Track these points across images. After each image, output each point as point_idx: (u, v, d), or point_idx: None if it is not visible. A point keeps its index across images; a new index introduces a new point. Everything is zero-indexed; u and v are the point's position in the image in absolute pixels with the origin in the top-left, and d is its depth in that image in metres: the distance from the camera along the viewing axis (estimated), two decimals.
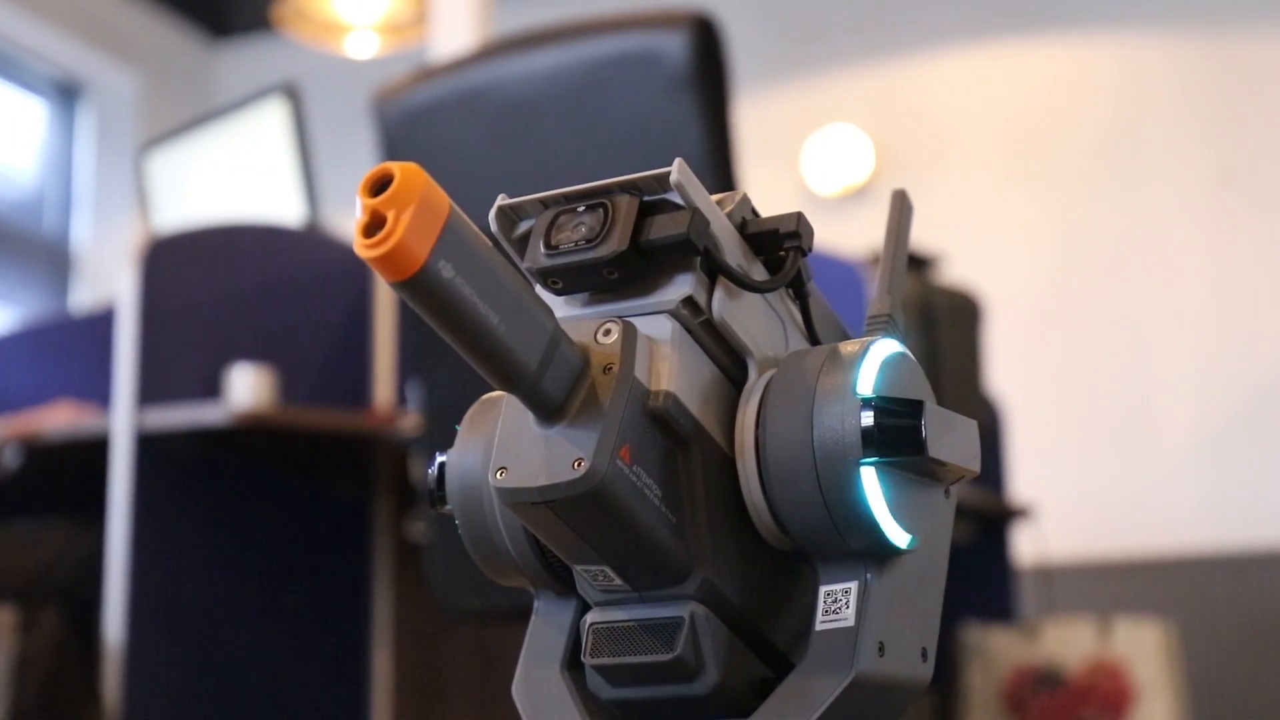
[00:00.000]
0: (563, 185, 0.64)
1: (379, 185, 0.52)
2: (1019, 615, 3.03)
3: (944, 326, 2.53)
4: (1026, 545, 3.07)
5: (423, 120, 1.83)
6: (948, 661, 2.70)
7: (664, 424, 0.58)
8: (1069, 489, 3.85)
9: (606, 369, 0.57)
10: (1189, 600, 3.74)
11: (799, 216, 0.63)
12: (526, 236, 0.62)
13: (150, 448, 2.28)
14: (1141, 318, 4.10)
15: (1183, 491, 3.95)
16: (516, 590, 0.68)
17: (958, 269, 3.09)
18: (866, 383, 0.59)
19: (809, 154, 4.48)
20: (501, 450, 0.58)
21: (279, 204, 2.91)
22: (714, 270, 0.60)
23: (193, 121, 3.34)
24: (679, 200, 0.60)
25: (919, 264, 2.65)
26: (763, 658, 0.63)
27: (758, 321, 0.63)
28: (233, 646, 2.44)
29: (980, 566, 2.93)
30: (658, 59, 1.65)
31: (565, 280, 0.60)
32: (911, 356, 0.63)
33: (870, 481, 0.59)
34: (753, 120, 3.16)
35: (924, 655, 0.63)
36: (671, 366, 0.59)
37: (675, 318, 0.60)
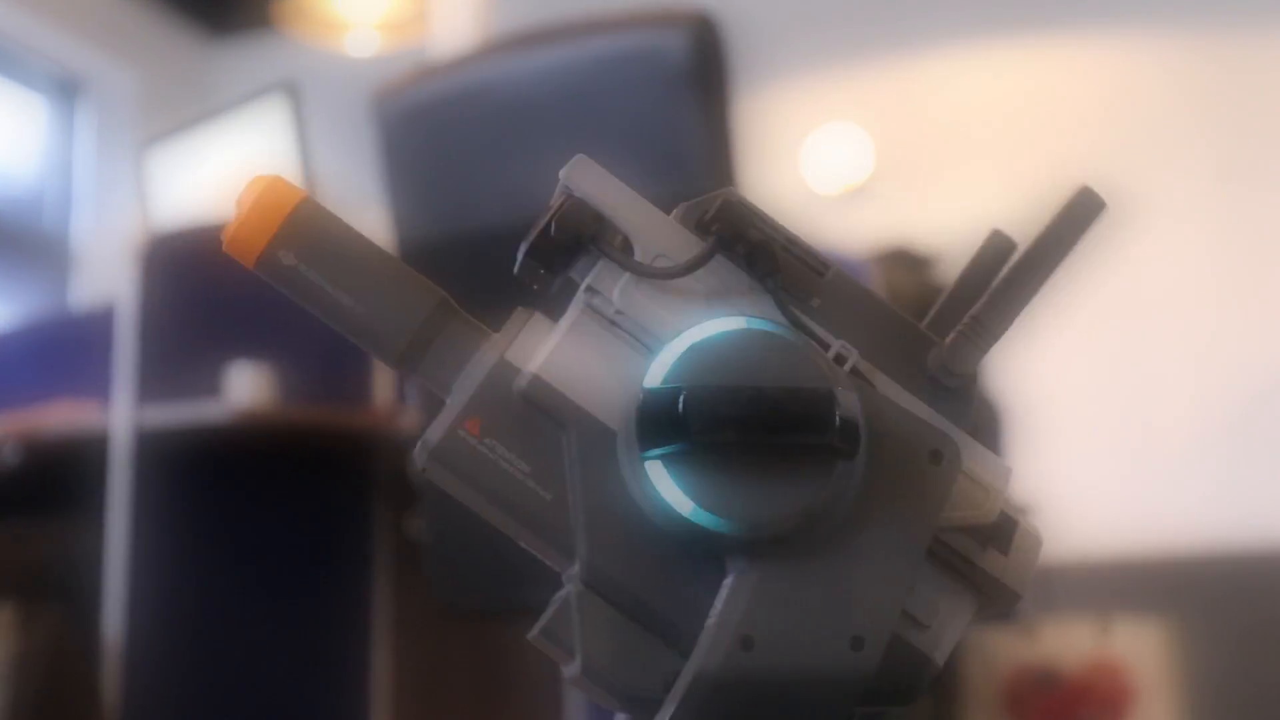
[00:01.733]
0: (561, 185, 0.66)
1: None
2: (1018, 615, 3.03)
3: None
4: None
5: (422, 118, 1.83)
6: (946, 661, 2.69)
7: (535, 403, 0.61)
8: (1067, 488, 3.85)
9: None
10: (1189, 600, 3.75)
11: (721, 200, 0.62)
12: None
13: (149, 446, 2.28)
14: (1143, 318, 4.10)
15: (1183, 491, 3.95)
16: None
17: (957, 268, 3.09)
18: (656, 373, 0.59)
19: (809, 153, 4.48)
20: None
21: None
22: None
23: (192, 119, 3.34)
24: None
25: (917, 263, 2.65)
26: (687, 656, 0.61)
27: (681, 310, 0.62)
28: (231, 645, 2.44)
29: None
30: (658, 58, 1.65)
31: (519, 275, 0.64)
32: (776, 334, 0.61)
33: (658, 474, 0.58)
34: (753, 118, 3.16)
35: (856, 644, 0.59)
36: (550, 349, 0.61)
37: (583, 304, 0.62)
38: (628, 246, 0.63)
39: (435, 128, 1.82)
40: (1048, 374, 4.11)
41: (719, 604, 0.58)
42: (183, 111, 4.40)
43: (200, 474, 2.39)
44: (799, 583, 0.59)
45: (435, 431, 0.60)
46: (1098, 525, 3.91)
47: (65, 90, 5.11)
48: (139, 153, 3.33)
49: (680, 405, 0.58)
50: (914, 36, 4.49)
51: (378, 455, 2.51)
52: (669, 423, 0.58)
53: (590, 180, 0.64)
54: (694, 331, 0.60)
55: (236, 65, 5.37)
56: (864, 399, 0.60)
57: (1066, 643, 2.71)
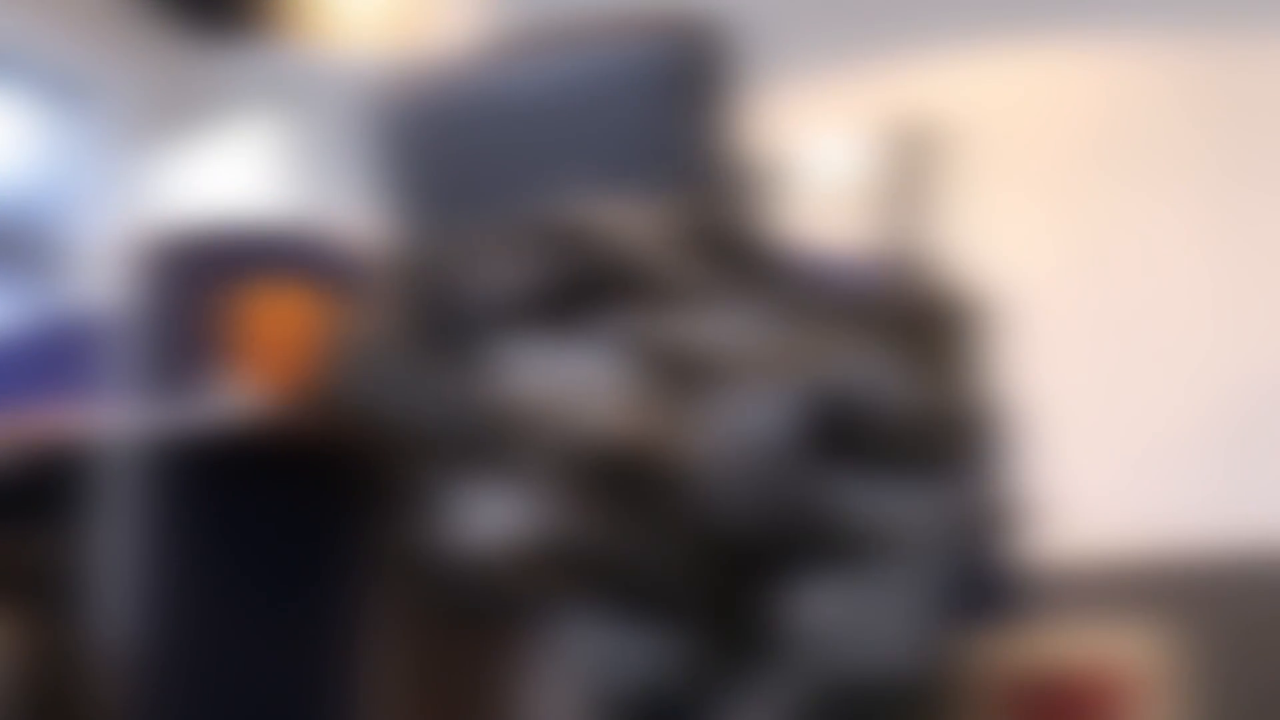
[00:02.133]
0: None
1: None
2: (1018, 615, 3.03)
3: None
4: (1027, 545, 3.07)
5: (421, 124, 1.83)
6: (944, 662, 2.69)
7: None
8: (1068, 490, 3.86)
9: None
10: (1189, 601, 3.75)
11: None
12: None
13: (146, 448, 2.28)
14: (1141, 319, 4.10)
15: (1185, 492, 3.96)
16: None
17: (961, 270, 3.09)
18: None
19: (810, 155, 4.48)
20: None
21: (277, 203, 2.92)
22: None
23: (193, 122, 3.35)
24: None
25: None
26: None
27: None
28: (227, 647, 2.44)
29: (978, 566, 2.93)
30: (655, 65, 1.65)
31: None
32: None
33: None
34: (755, 120, 3.16)
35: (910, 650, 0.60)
36: None
37: None
38: None
39: (433, 134, 1.82)
40: (1047, 377, 4.12)
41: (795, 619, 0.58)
42: (183, 114, 4.41)
43: (197, 478, 2.39)
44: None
45: None
46: (1098, 526, 3.92)
47: (66, 92, 5.11)
48: (139, 154, 3.33)
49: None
50: (918, 39, 4.49)
51: (376, 458, 2.51)
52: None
53: None
54: None
55: (236, 67, 5.37)
56: None
57: (1066, 643, 2.71)
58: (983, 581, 2.95)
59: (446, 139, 1.82)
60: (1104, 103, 4.26)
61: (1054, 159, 4.27)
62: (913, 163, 4.34)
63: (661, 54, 1.66)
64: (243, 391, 2.20)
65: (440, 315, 1.25)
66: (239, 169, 3.10)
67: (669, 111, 1.66)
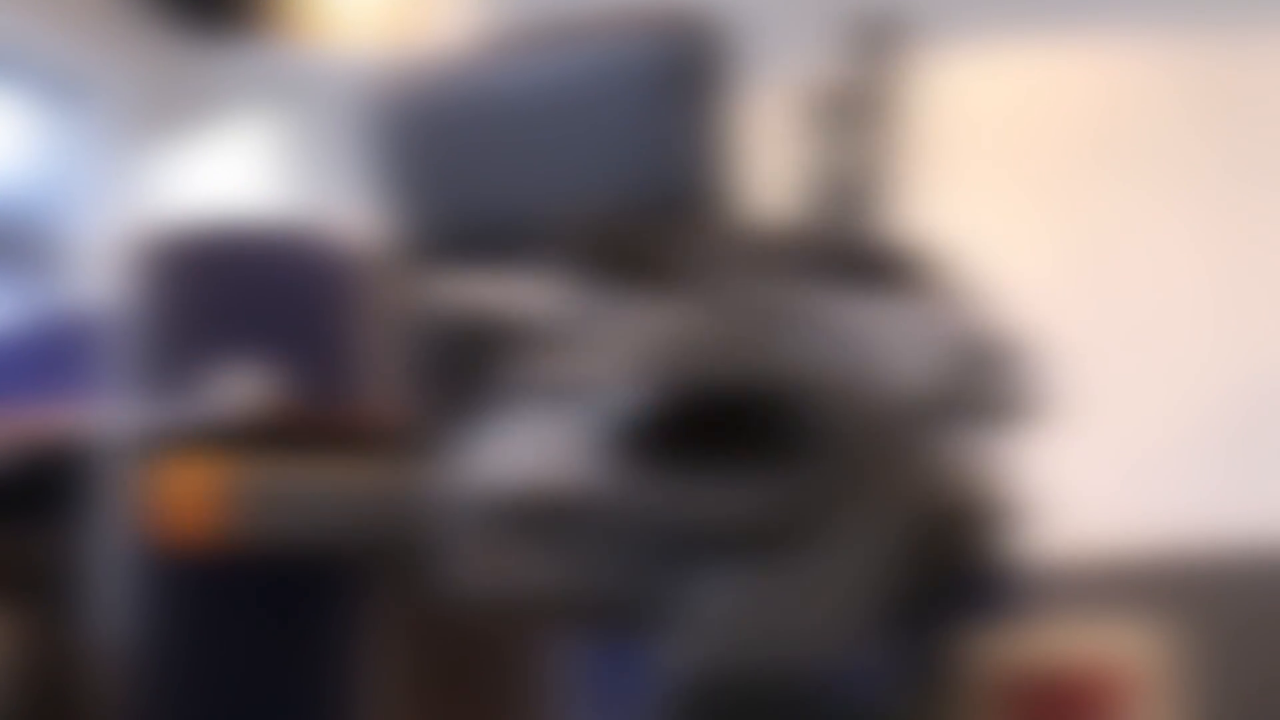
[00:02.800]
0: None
1: None
2: (1016, 613, 3.03)
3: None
4: (1025, 542, 3.07)
5: (416, 122, 1.83)
6: (940, 661, 2.69)
7: None
8: (1066, 487, 3.86)
9: None
10: (1187, 599, 3.75)
11: None
12: None
13: (145, 445, 2.28)
14: (1142, 317, 4.11)
15: (1182, 490, 3.96)
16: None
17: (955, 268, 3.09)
18: None
19: (803, 156, 4.48)
20: None
21: (276, 204, 2.92)
22: None
23: (189, 120, 3.34)
24: None
25: None
26: None
27: None
28: (224, 643, 2.44)
29: (974, 564, 2.93)
30: (649, 62, 1.65)
31: None
32: None
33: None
34: (745, 120, 3.16)
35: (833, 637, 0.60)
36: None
37: None
38: None
39: (430, 132, 1.82)
40: (1045, 370, 4.11)
41: (699, 602, 0.58)
42: (182, 113, 4.40)
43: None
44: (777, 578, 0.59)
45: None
46: (1096, 523, 3.92)
47: (64, 91, 5.11)
48: (135, 152, 3.33)
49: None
50: (911, 39, 4.49)
51: (374, 455, 2.50)
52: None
53: None
54: None
55: (235, 67, 5.37)
56: None
57: (1063, 641, 2.71)
58: (978, 579, 2.95)
59: (442, 136, 1.82)
60: (1103, 102, 4.26)
61: (1051, 159, 4.27)
62: (892, 156, 4.34)
63: (656, 51, 1.66)
64: (238, 390, 2.20)
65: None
66: (235, 167, 3.10)
67: (663, 108, 1.65)
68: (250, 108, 2.92)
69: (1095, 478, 4.02)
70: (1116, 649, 2.68)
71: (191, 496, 0.56)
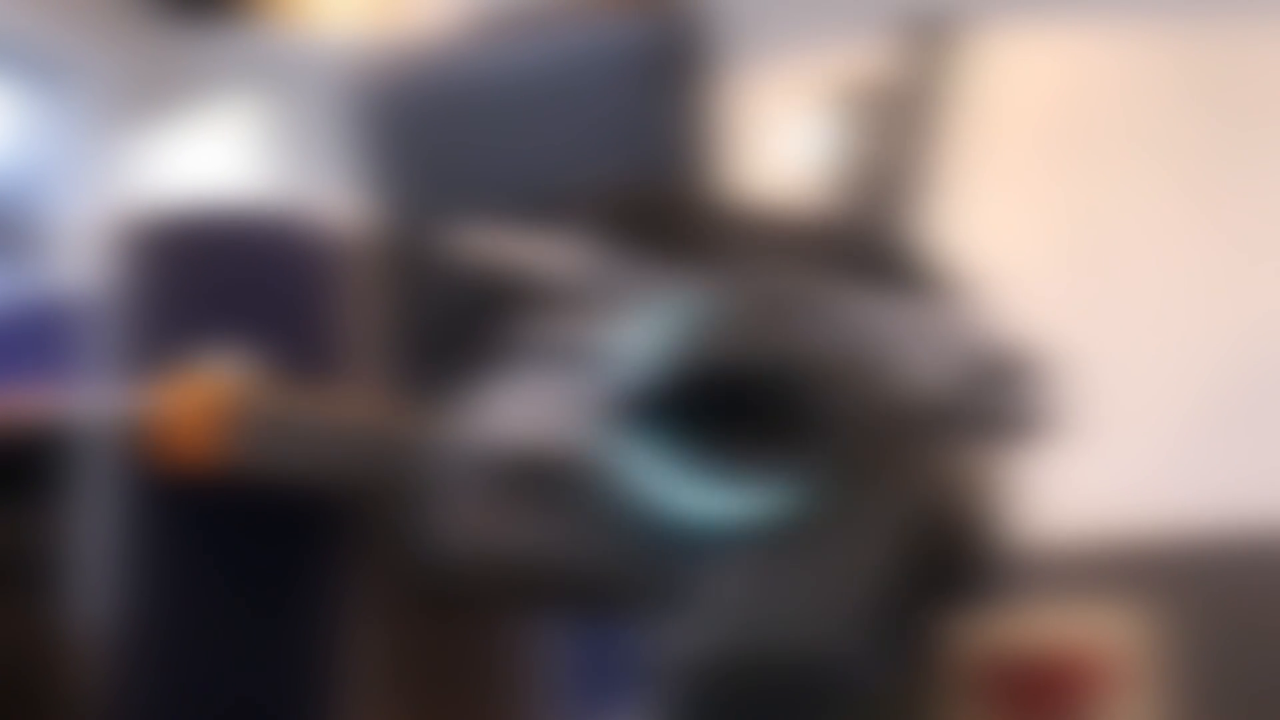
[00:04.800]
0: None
1: None
2: (1000, 597, 3.04)
3: None
4: (1009, 526, 3.08)
5: (400, 107, 1.82)
6: (922, 646, 2.70)
7: None
8: (1052, 471, 3.87)
9: None
10: (1173, 584, 3.77)
11: None
12: None
13: (126, 430, 2.27)
14: (1129, 304, 4.12)
15: (1168, 474, 3.97)
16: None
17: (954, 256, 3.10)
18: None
19: (793, 140, 4.48)
20: None
21: (259, 187, 2.90)
22: None
23: (173, 104, 3.33)
24: None
25: None
26: None
27: None
28: (203, 633, 2.43)
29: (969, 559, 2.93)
30: (635, 46, 1.65)
31: None
32: None
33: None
34: (734, 104, 3.16)
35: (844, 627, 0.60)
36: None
37: None
38: None
39: (416, 117, 1.82)
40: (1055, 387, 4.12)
41: (706, 592, 0.58)
42: (162, 95, 4.38)
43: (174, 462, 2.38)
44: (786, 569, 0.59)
45: None
46: (1079, 508, 3.93)
47: (44, 73, 5.08)
48: (118, 136, 3.32)
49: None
50: (899, 22, 4.49)
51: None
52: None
53: None
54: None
55: (217, 50, 5.35)
56: None
57: (1047, 626, 2.72)
58: (964, 562, 2.96)
59: (425, 121, 1.82)
60: (1101, 85, 4.27)
61: (1047, 143, 4.28)
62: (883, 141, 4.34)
63: (641, 35, 1.65)
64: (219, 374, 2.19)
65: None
66: (219, 151, 3.09)
67: (650, 93, 1.65)
68: (233, 92, 2.91)
69: (1082, 463, 4.04)
70: (1101, 634, 2.69)
71: (191, 418, 0.56)
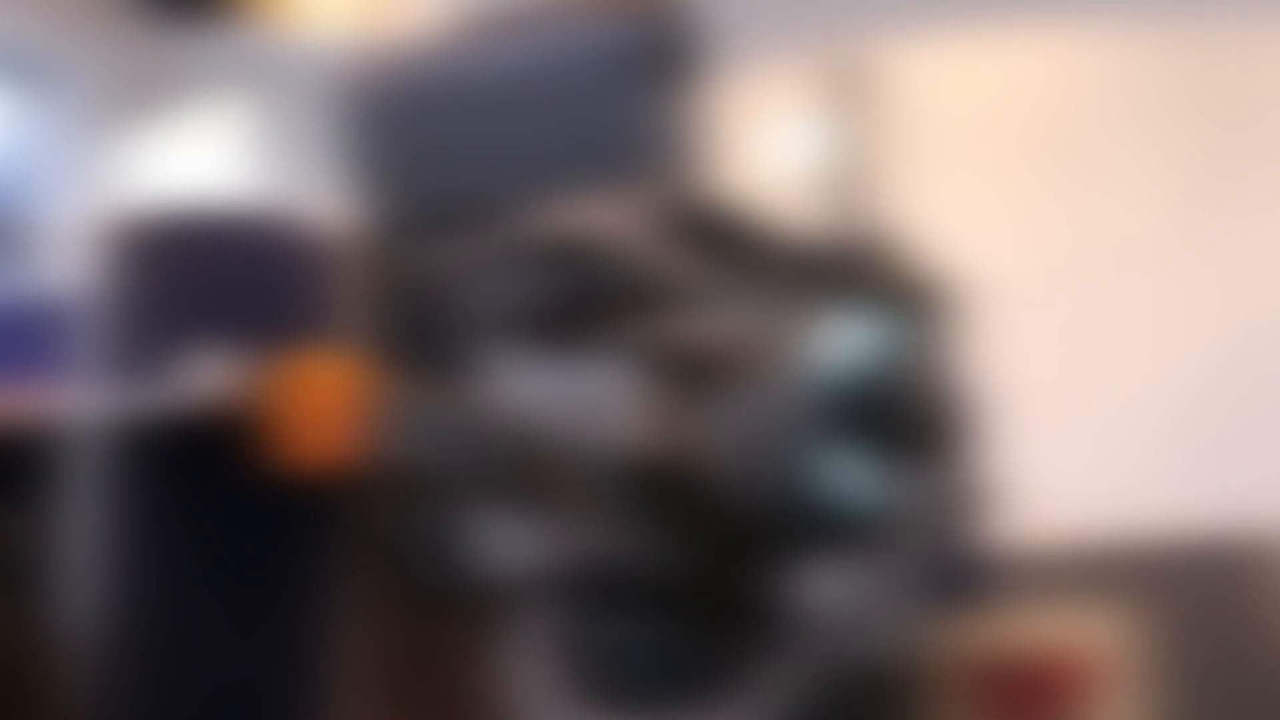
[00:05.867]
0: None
1: None
2: (985, 600, 3.04)
3: None
4: (994, 529, 3.08)
5: (389, 107, 1.82)
6: (905, 648, 2.70)
7: None
8: (1035, 474, 3.88)
9: None
10: (1156, 586, 3.77)
11: None
12: None
13: (114, 429, 2.27)
14: (1108, 306, 4.13)
15: (1151, 477, 3.98)
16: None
17: (928, 250, 3.10)
18: None
19: (777, 141, 4.49)
20: None
21: (247, 188, 2.90)
22: None
23: (160, 104, 3.32)
24: None
25: None
26: None
27: None
28: (190, 633, 2.43)
29: (948, 550, 2.94)
30: (622, 46, 1.65)
31: None
32: None
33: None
34: (721, 104, 3.16)
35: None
36: None
37: None
38: None
39: (402, 116, 1.82)
40: (1013, 362, 4.14)
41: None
42: (150, 95, 4.38)
43: (162, 462, 2.38)
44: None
45: None
46: (1063, 511, 3.94)
47: (31, 73, 5.07)
48: (105, 137, 3.31)
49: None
50: (888, 27, 4.49)
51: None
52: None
53: None
54: None
55: (205, 50, 5.34)
56: None
57: (1031, 628, 2.73)
58: (950, 566, 2.96)
59: (413, 121, 1.82)
60: (1091, 87, 4.28)
61: (1019, 142, 4.29)
62: (869, 142, 4.35)
63: (628, 35, 1.66)
64: (205, 376, 2.19)
65: (434, 329, 1.25)
66: (206, 152, 3.09)
67: (636, 92, 1.65)
68: (221, 92, 2.91)
69: (1062, 464, 4.04)
70: (1087, 636, 2.69)
71: (315, 407, 0.54)
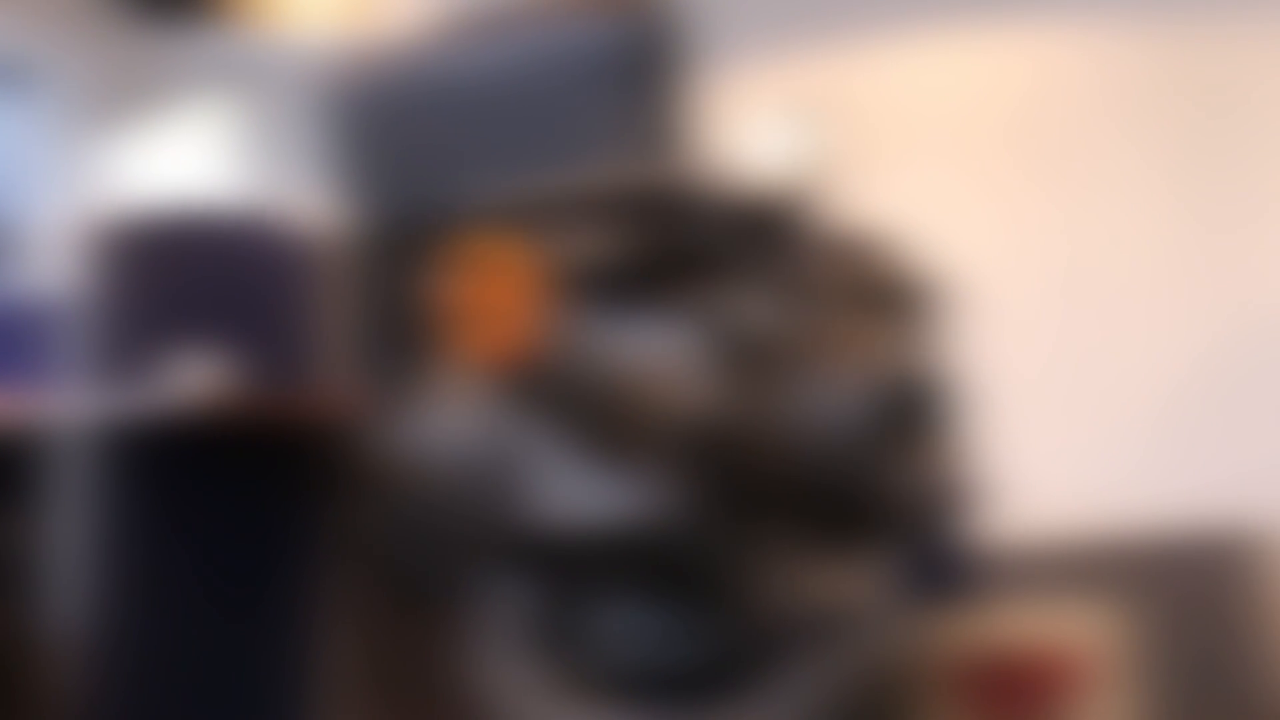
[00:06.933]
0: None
1: None
2: (971, 596, 3.05)
3: None
4: (979, 525, 3.09)
5: (374, 108, 1.82)
6: (893, 644, 2.71)
7: None
8: (1020, 470, 3.88)
9: None
10: (1141, 581, 3.78)
11: None
12: None
13: (102, 431, 2.26)
14: (1090, 301, 4.14)
15: (1136, 472, 3.99)
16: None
17: (914, 249, 3.11)
18: None
19: (759, 142, 4.49)
20: None
21: (231, 190, 2.90)
22: None
23: (145, 106, 3.32)
24: None
25: None
26: None
27: None
28: (180, 636, 2.43)
29: (929, 546, 2.95)
30: (606, 46, 1.65)
31: None
32: None
33: None
34: (704, 104, 3.17)
35: None
36: None
37: None
38: None
39: (390, 116, 1.82)
40: (997, 358, 4.15)
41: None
42: (134, 97, 4.37)
43: (149, 464, 2.37)
44: None
45: None
46: (1048, 507, 3.95)
47: (19, 78, 5.06)
48: (90, 139, 3.30)
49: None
50: (868, 26, 4.50)
51: (330, 444, 2.50)
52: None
53: None
54: None
55: (189, 52, 5.33)
56: None
57: (1017, 624, 2.74)
58: (936, 562, 2.97)
59: (398, 122, 1.82)
60: (1075, 84, 4.29)
61: (1002, 140, 4.30)
62: (852, 141, 4.36)
63: (613, 35, 1.66)
64: (192, 379, 2.19)
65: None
66: (191, 154, 3.09)
67: (621, 92, 1.66)
68: (206, 94, 2.90)
69: (1047, 460, 4.05)
70: (1071, 630, 2.70)
71: (504, 302, 0.53)
